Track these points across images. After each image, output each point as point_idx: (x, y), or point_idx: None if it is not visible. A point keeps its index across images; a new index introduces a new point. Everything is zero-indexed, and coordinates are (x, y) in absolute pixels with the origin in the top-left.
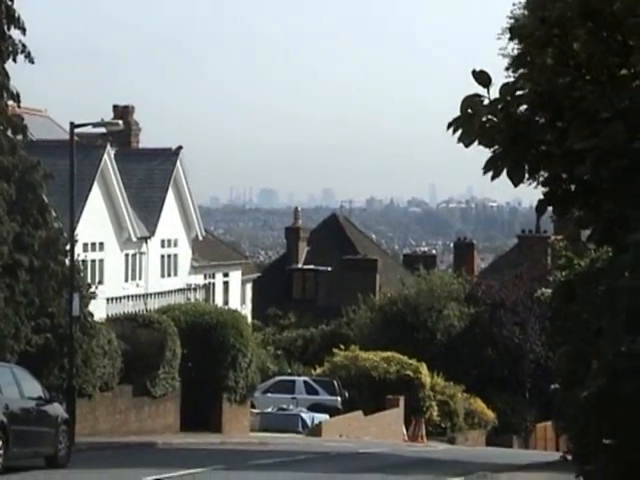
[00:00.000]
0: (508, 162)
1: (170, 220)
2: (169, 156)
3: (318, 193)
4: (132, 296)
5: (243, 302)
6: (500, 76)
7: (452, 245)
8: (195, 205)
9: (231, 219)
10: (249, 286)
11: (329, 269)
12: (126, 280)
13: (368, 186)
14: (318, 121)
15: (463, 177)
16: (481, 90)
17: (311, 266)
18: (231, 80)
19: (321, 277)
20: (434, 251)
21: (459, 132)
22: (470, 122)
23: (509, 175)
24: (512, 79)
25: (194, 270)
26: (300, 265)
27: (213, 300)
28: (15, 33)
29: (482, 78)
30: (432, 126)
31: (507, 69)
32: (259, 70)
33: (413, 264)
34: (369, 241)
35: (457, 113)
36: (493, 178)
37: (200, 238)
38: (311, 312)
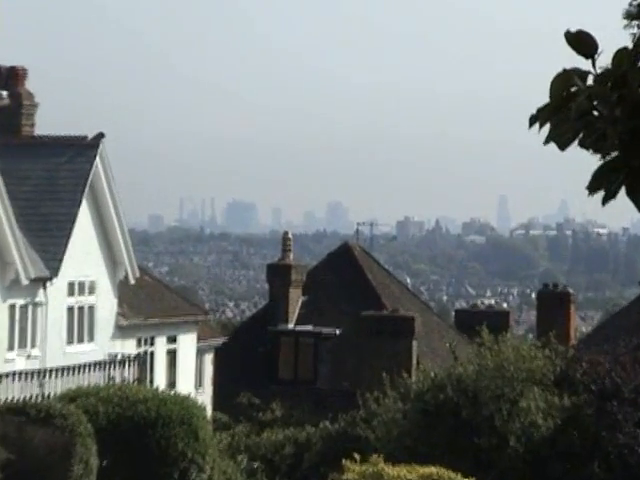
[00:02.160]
0: (628, 173)
1: (83, 252)
2: (83, 149)
3: (320, 210)
4: (20, 373)
5: (199, 384)
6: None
7: (534, 295)
8: (124, 228)
9: (181, 250)
10: (209, 358)
11: (337, 332)
12: (10, 348)
13: (399, 200)
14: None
15: (552, 188)
16: (583, 64)
17: (309, 327)
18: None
19: (324, 345)
20: (505, 305)
21: (547, 128)
22: (565, 111)
23: (631, 194)
24: (634, 36)
25: (121, 332)
26: (291, 325)
27: (151, 380)
28: None
29: (582, 42)
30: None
31: (627, 22)
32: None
33: (471, 325)
34: (401, 287)
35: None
36: (605, 201)
37: (132, 281)
38: (308, 401)
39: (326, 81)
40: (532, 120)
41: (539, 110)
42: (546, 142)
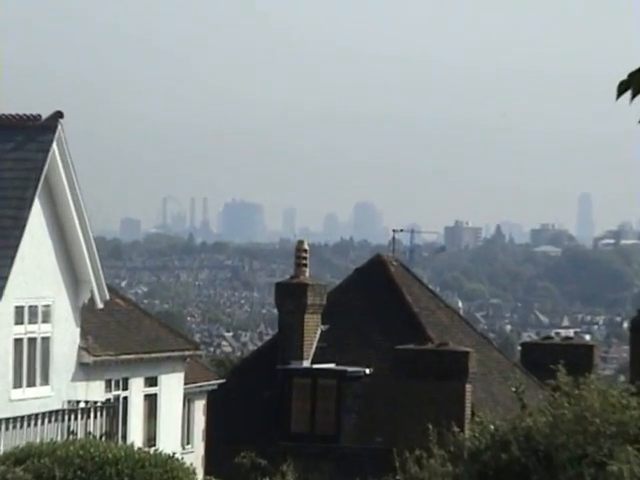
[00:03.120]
0: None
1: (36, 267)
2: (35, 133)
3: (345, 213)
4: None
5: (187, 439)
6: None
7: (626, 325)
8: (90, 236)
9: (164, 265)
10: (200, 406)
11: (366, 372)
12: None
13: (449, 201)
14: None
15: None
16: None
17: (330, 365)
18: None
19: (350, 389)
20: (588, 337)
21: None
22: None
23: None
24: None
25: (85, 372)
26: (307, 363)
27: (124, 435)
28: None
29: None
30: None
31: None
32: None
33: (543, 363)
34: (450, 313)
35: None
36: None
37: (99, 306)
38: (329, 462)
39: (346, 65)
40: (622, 87)
41: (631, 75)
42: None
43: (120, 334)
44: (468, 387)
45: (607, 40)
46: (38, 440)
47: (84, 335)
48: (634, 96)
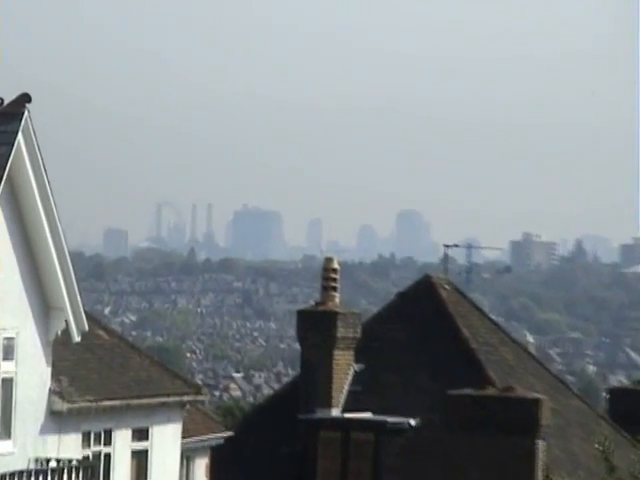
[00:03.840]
0: None
1: None
2: None
3: (385, 224)
4: None
5: None
6: None
7: None
8: (65, 252)
9: (157, 288)
10: (201, 465)
11: (412, 423)
12: None
13: (514, 209)
14: None
15: None
16: None
17: (366, 415)
18: None
19: (392, 445)
20: None
21: None
22: None
23: None
24: None
25: (58, 422)
26: (337, 412)
27: None
28: None
29: None
30: None
31: None
32: None
33: (636, 414)
34: (518, 350)
35: None
36: None
37: (76, 339)
38: None
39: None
40: None
41: None
42: None
43: (102, 375)
44: (540, 444)
45: None
46: None
47: (56, 376)
48: None
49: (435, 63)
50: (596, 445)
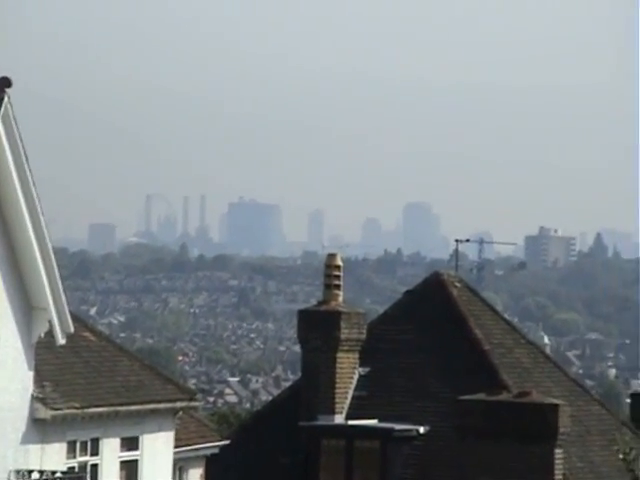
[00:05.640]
0: None
1: None
2: None
3: (391, 217)
4: None
5: None
6: None
7: None
8: (48, 247)
9: (147, 286)
10: (195, 475)
11: (421, 430)
12: None
13: (529, 202)
14: None
15: None
16: None
17: (372, 422)
18: None
19: (399, 453)
20: None
21: None
22: None
23: None
24: None
25: (41, 431)
26: (341, 419)
27: None
28: None
29: None
30: None
31: None
32: None
33: None
34: (534, 352)
35: None
36: None
37: (60, 341)
38: None
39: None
40: None
41: None
42: None
43: (88, 380)
44: (558, 452)
45: None
46: None
47: (39, 381)
48: None
49: (439, 50)
50: (619, 454)
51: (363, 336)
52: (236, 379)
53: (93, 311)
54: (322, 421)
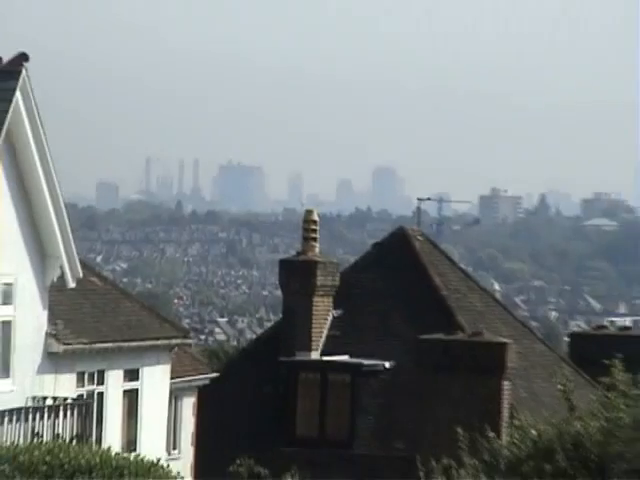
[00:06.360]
0: None
1: None
2: None
3: (361, 179)
4: None
5: (174, 443)
6: None
7: None
8: (60, 204)
9: (147, 238)
10: (189, 404)
11: (386, 365)
12: None
13: (483, 165)
14: None
15: None
16: None
17: (343, 358)
18: None
19: (367, 386)
20: None
21: None
22: None
23: None
24: None
25: (53, 363)
26: (316, 355)
27: (99, 438)
28: None
29: None
30: None
31: None
32: None
33: (595, 357)
34: (485, 297)
35: None
36: None
37: (70, 285)
38: (340, 471)
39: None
40: None
41: None
42: None
43: (95, 318)
44: (506, 384)
45: None
46: None
47: (53, 320)
48: None
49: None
50: (558, 386)
51: (337, 283)
52: (224, 319)
53: (99, 259)
54: (300, 357)
